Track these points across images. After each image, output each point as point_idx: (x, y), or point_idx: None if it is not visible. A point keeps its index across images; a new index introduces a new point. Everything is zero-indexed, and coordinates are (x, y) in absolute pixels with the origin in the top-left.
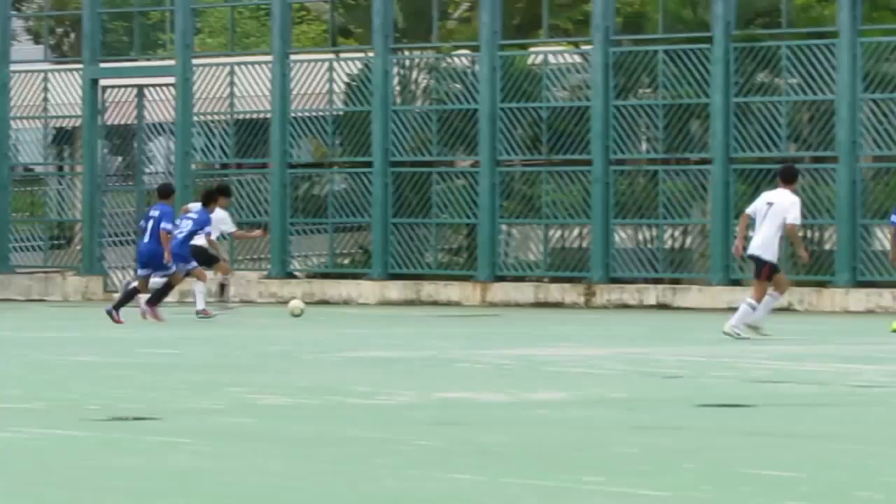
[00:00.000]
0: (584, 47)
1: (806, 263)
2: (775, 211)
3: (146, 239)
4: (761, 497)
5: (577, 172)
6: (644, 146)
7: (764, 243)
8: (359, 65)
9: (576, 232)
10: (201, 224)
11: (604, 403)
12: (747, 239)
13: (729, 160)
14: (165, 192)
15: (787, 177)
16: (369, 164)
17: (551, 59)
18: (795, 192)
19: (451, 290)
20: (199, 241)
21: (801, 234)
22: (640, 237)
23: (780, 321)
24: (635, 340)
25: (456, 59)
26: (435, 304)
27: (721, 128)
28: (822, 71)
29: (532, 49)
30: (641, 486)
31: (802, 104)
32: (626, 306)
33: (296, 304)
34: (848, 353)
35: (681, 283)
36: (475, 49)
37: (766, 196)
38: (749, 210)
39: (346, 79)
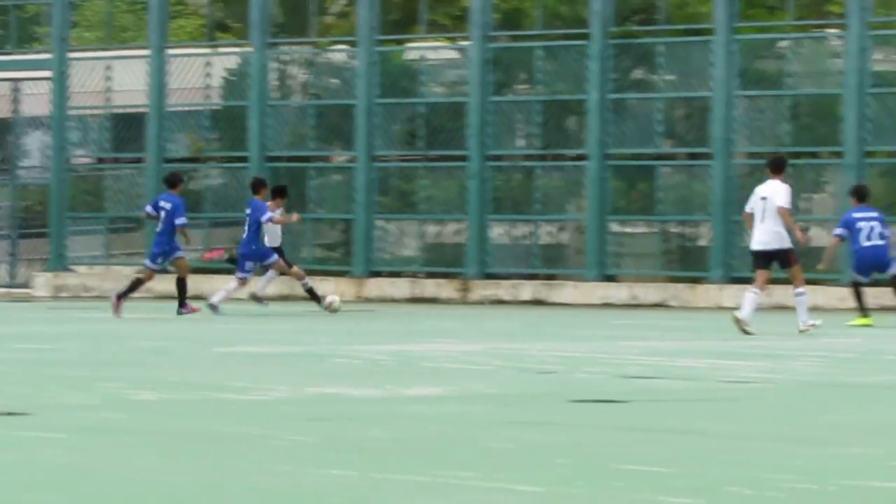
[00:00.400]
0: (462, 43)
1: (803, 245)
2: (771, 203)
3: (159, 228)
4: (634, 492)
5: (453, 168)
6: (521, 142)
7: (771, 237)
8: (236, 60)
9: (452, 227)
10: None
11: (478, 399)
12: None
13: (605, 156)
14: (173, 182)
15: (776, 167)
16: (245, 160)
17: (429, 54)
18: (784, 181)
19: (327, 286)
20: None
21: (677, 230)
22: (516, 233)
23: (653, 317)
24: (510, 336)
25: (333, 55)
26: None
27: (597, 124)
28: (697, 68)
29: (409, 45)
30: (515, 482)
31: (678, 101)
32: (501, 302)
33: (333, 298)
34: (721, 349)
35: (556, 279)
36: (353, 44)
37: (759, 191)
38: (748, 208)
39: (223, 73)
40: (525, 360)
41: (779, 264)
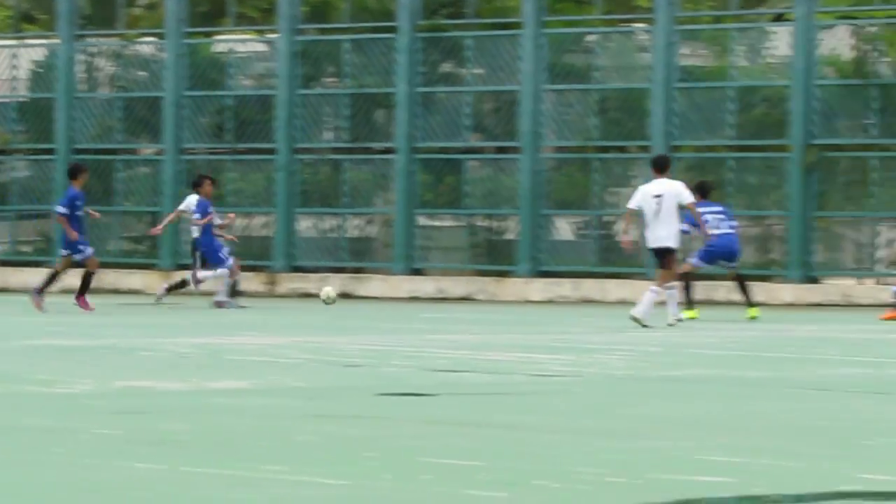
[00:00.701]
0: (270, 36)
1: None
2: (668, 200)
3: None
4: (441, 485)
5: (261, 161)
6: (328, 135)
7: (670, 234)
8: (43, 51)
9: (259, 220)
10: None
11: (285, 392)
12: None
13: (412, 150)
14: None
15: (661, 166)
16: (52, 152)
17: (237, 47)
18: (672, 178)
19: (134, 279)
20: None
21: (484, 224)
22: (324, 226)
23: (460, 311)
24: (317, 329)
25: (141, 47)
26: (117, 292)
27: (405, 117)
28: (506, 62)
29: (218, 37)
30: (322, 475)
31: (486, 95)
32: (308, 295)
33: (328, 291)
34: (528, 342)
35: (364, 272)
36: (161, 36)
37: (649, 190)
38: (632, 205)
39: (30, 65)
40: (332, 353)
41: (658, 259)
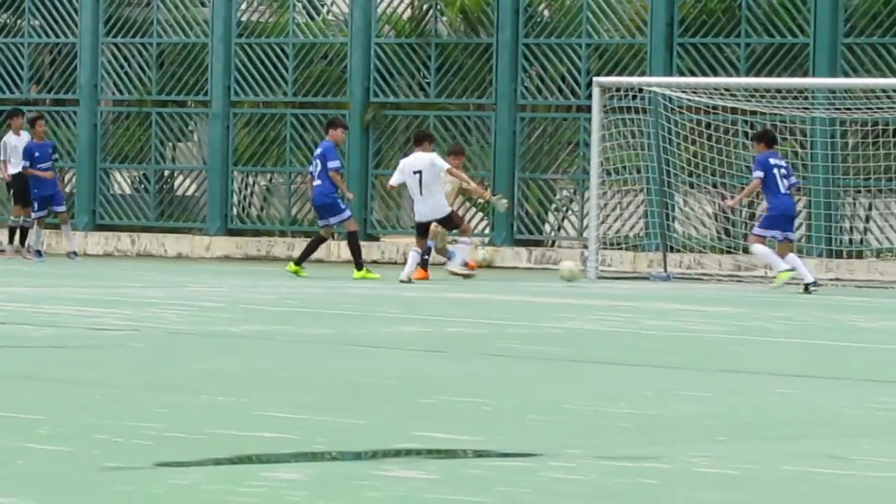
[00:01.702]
0: None
1: (480, 195)
2: (427, 174)
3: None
4: (1, 438)
5: None
6: None
7: (435, 208)
8: None
9: None
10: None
11: None
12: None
13: None
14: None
15: (418, 139)
16: None
17: None
18: (427, 150)
19: None
20: None
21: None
22: None
23: (15, 262)
24: None
25: None
26: None
27: None
28: (64, 13)
29: None
30: None
31: (45, 46)
32: None
33: (569, 266)
34: (86, 295)
35: None
36: None
37: (408, 165)
38: (394, 182)
39: None
40: None
41: (445, 228)
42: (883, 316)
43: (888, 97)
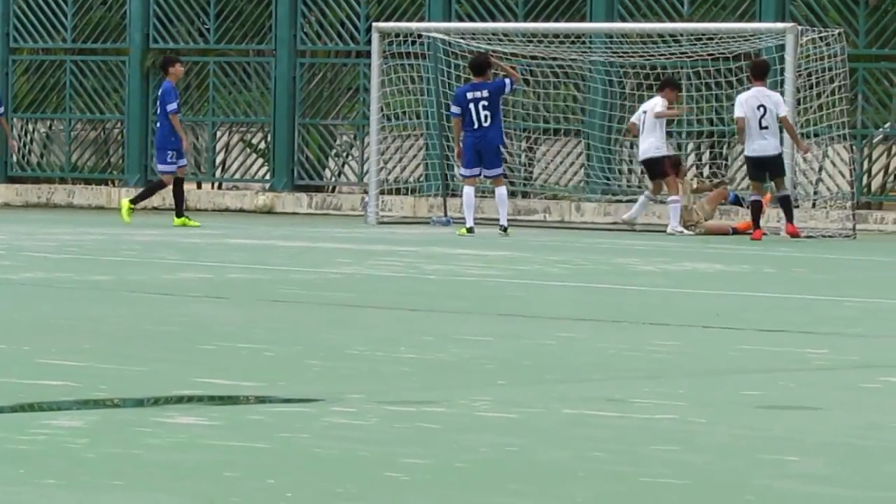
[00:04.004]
0: None
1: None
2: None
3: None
4: None
5: None
6: None
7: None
8: None
9: None
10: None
11: None
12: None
13: None
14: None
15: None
16: None
17: None
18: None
19: None
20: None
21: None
22: None
23: None
24: None
25: None
26: None
27: None
28: None
29: None
30: None
31: None
32: None
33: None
34: None
35: None
36: None
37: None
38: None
39: None
40: None
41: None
42: (660, 259)
43: (664, 42)
